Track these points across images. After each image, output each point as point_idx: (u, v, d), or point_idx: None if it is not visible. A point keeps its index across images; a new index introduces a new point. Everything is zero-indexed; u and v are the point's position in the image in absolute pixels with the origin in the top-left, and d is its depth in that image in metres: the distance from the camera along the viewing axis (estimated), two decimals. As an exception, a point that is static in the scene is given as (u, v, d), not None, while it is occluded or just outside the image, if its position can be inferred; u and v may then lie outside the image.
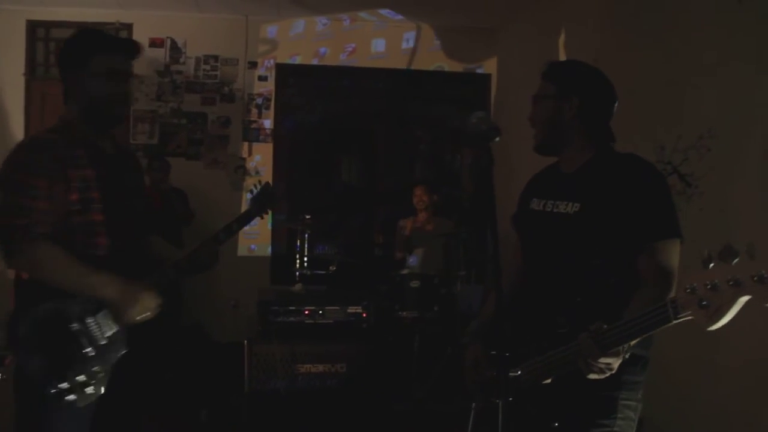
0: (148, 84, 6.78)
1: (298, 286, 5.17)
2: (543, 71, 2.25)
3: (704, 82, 3.83)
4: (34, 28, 6.58)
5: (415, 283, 5.19)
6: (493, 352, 1.76)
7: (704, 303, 1.56)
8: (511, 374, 1.81)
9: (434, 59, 7.11)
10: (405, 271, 5.44)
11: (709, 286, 1.55)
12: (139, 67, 6.57)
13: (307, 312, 4.15)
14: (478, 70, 7.16)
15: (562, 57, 5.40)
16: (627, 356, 1.86)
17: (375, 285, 5.67)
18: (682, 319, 1.63)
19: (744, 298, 1.52)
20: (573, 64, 2.33)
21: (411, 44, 7.11)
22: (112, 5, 6.50)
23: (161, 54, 6.81)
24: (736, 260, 1.53)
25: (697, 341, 3.73)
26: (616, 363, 1.82)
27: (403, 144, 7.32)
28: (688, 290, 1.59)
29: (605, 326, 1.78)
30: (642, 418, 4.06)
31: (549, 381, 1.99)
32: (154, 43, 6.81)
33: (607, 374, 1.83)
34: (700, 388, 3.74)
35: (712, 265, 1.57)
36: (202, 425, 4.70)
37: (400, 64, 7.10)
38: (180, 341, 6.02)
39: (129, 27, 6.76)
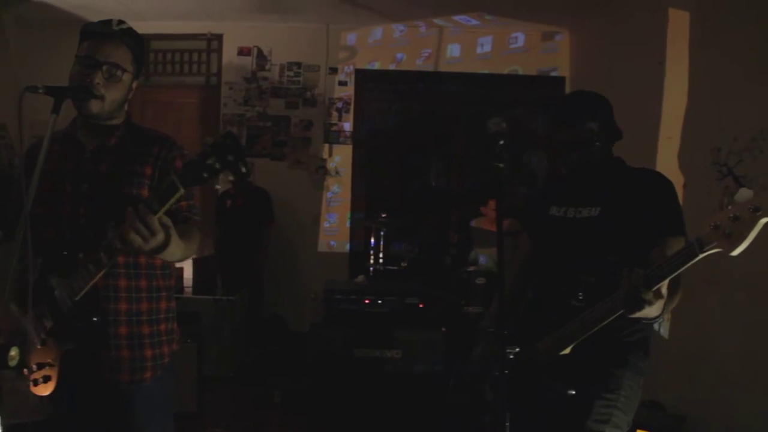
0: (237, 90, 7.23)
1: (360, 278, 5.48)
2: (563, 119, 2.39)
3: (761, 80, 3.85)
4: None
5: (480, 280, 5.40)
6: (491, 329, 1.99)
7: (728, 232, 1.77)
8: (508, 351, 2.04)
9: (509, 63, 7.26)
10: (472, 268, 5.65)
11: (732, 217, 1.76)
12: (228, 74, 7.10)
13: (366, 301, 4.41)
14: (553, 73, 7.24)
15: (634, 60, 5.44)
16: (660, 321, 2.03)
17: (444, 281, 5.89)
18: (707, 252, 1.82)
19: (764, 220, 1.74)
20: (585, 98, 2.44)
21: (486, 48, 7.28)
22: (204, 18, 6.96)
23: (248, 62, 7.24)
24: (752, 195, 1.76)
25: (747, 338, 3.81)
26: (657, 300, 1.94)
27: (478, 146, 7.45)
28: (713, 226, 1.79)
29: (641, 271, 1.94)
30: (686, 416, 4.16)
31: (567, 351, 2.19)
32: (242, 52, 7.24)
33: (648, 311, 1.95)
34: (749, 386, 3.76)
35: (730, 207, 1.79)
36: (275, 406, 5.10)
37: (475, 68, 7.27)
38: (261, 331, 6.44)
39: (219, 38, 7.23)
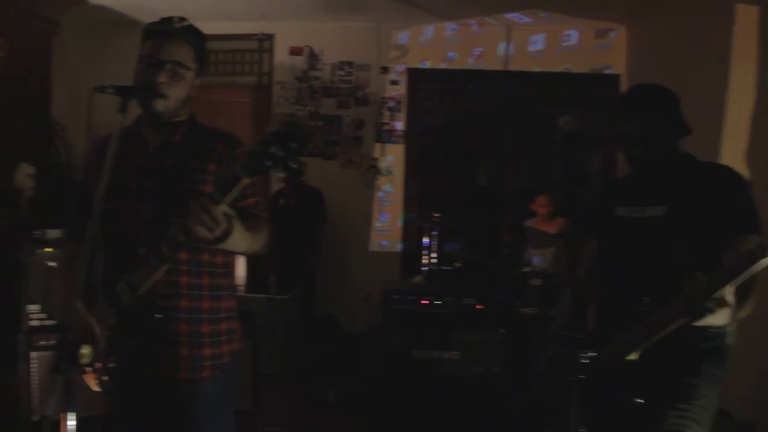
0: (288, 89, 7.26)
1: (418, 278, 5.44)
2: (626, 112, 2.31)
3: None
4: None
5: (536, 281, 5.32)
6: (567, 334, 1.94)
7: None
8: (582, 355, 1.99)
9: (561, 61, 7.15)
10: (527, 269, 5.58)
11: None
12: (280, 73, 7.13)
13: (425, 302, 4.39)
14: (607, 71, 7.11)
15: (694, 57, 5.32)
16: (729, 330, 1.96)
17: (498, 281, 5.83)
18: None
19: None
20: (649, 91, 2.36)
21: (538, 46, 7.18)
22: (256, 18, 7.00)
23: (300, 61, 7.26)
24: None
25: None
26: (721, 308, 1.90)
27: (531, 145, 7.38)
28: None
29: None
30: (755, 424, 4.03)
31: (635, 357, 2.12)
32: (294, 52, 7.26)
33: (712, 319, 1.91)
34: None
35: None
36: (329, 405, 5.10)
37: (527, 66, 7.18)
38: (313, 330, 6.45)
39: (271, 37, 7.26)
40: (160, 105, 2.18)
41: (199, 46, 2.29)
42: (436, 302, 4.36)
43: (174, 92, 2.21)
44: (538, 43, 7.20)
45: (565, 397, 2.28)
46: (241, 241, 2.05)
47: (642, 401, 2.12)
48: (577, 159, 6.87)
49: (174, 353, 2.20)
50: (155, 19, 2.28)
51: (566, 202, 6.24)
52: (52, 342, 4.22)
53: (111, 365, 2.10)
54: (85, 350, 2.03)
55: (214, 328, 2.29)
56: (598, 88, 7.09)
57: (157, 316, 2.12)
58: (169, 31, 2.22)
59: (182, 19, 2.27)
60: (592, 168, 7.15)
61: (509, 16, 6.87)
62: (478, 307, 4.37)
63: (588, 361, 2.16)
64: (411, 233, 7.13)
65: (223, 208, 1.91)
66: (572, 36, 7.19)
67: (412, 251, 6.97)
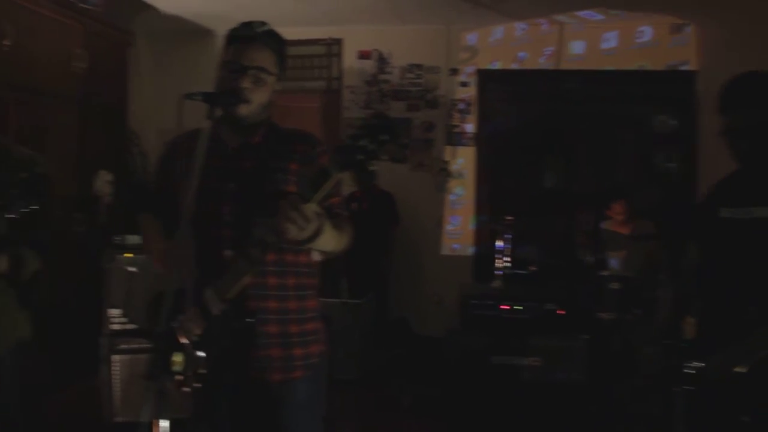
0: (358, 93, 7.27)
1: (496, 283, 5.36)
2: (728, 104, 2.20)
3: None
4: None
5: (614, 285, 5.18)
6: (668, 342, 1.85)
7: None
8: (686, 365, 1.89)
9: (636, 58, 6.95)
10: (605, 273, 5.44)
11: None
12: (349, 78, 7.16)
13: (504, 307, 4.32)
14: (683, 67, 6.90)
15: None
16: None
17: (575, 286, 5.70)
18: None
19: None
20: (754, 80, 2.24)
21: (611, 44, 7.02)
22: (324, 23, 7.02)
23: (369, 65, 7.26)
24: None
25: None
26: None
27: (604, 145, 7.22)
28: None
29: None
30: None
31: (743, 369, 2.01)
32: (363, 56, 7.28)
33: None
34: None
35: None
36: (404, 410, 5.06)
37: (600, 64, 7.01)
38: (386, 334, 6.43)
39: (339, 42, 7.29)
40: (243, 110, 2.18)
41: (280, 50, 2.29)
42: (516, 307, 4.29)
43: (257, 97, 2.21)
44: (611, 40, 7.04)
45: (668, 409, 2.18)
46: (330, 240, 2.03)
47: (748, 419, 2.01)
48: (661, 159, 6.70)
49: (266, 355, 2.20)
50: (226, 26, 2.29)
51: (643, 203, 6.09)
52: (133, 346, 4.30)
53: (201, 371, 2.11)
54: (177, 358, 2.04)
55: (302, 328, 2.28)
56: (673, 86, 6.89)
57: (248, 320, 2.11)
58: (250, 36, 2.22)
59: (263, 23, 2.27)
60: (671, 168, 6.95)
61: (581, 13, 6.73)
62: (559, 312, 4.28)
63: (694, 371, 2.05)
64: (483, 236, 7.05)
65: (313, 207, 1.87)
66: (646, 32, 6.99)
67: (484, 254, 6.88)
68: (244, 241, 2.01)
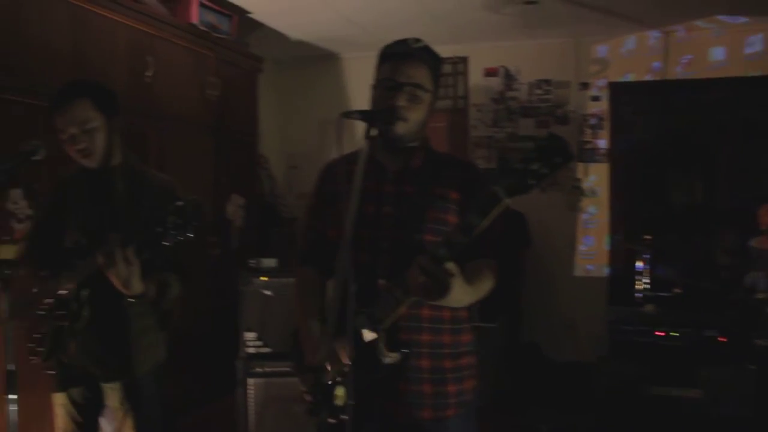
0: (485, 111, 7.11)
1: (649, 307, 5.05)
2: None
3: None
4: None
5: (770, 309, 4.80)
6: None
7: None
8: None
9: (784, 62, 6.50)
10: (760, 296, 5.05)
11: None
12: (475, 96, 7.05)
13: (659, 333, 4.04)
14: (839, 71, 6.38)
15: None
16: None
17: (724, 310, 5.34)
18: None
19: None
20: None
21: (757, 48, 6.57)
22: (448, 41, 6.91)
23: (496, 82, 7.10)
24: None
25: None
26: None
27: (750, 158, 6.77)
28: None
29: None
30: None
31: None
32: (489, 73, 7.13)
33: None
34: None
35: None
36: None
37: (744, 71, 6.58)
38: (518, 359, 6.22)
39: (464, 60, 7.17)
40: (400, 128, 2.11)
41: (435, 67, 2.22)
42: (672, 334, 3.99)
43: (413, 115, 2.14)
44: (755, 44, 6.59)
45: None
46: (462, 297, 1.96)
47: None
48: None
49: (417, 391, 2.12)
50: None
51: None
52: (267, 369, 4.34)
53: (351, 403, 2.02)
54: (340, 392, 1.96)
55: (456, 363, 2.20)
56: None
57: (403, 350, 2.01)
58: (406, 52, 2.16)
59: (418, 40, 2.21)
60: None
61: (722, 17, 6.34)
62: (720, 339, 3.96)
63: None
64: (618, 257, 6.74)
65: (449, 266, 1.82)
66: (795, 34, 6.52)
67: (620, 276, 6.58)
68: (398, 269, 1.94)
